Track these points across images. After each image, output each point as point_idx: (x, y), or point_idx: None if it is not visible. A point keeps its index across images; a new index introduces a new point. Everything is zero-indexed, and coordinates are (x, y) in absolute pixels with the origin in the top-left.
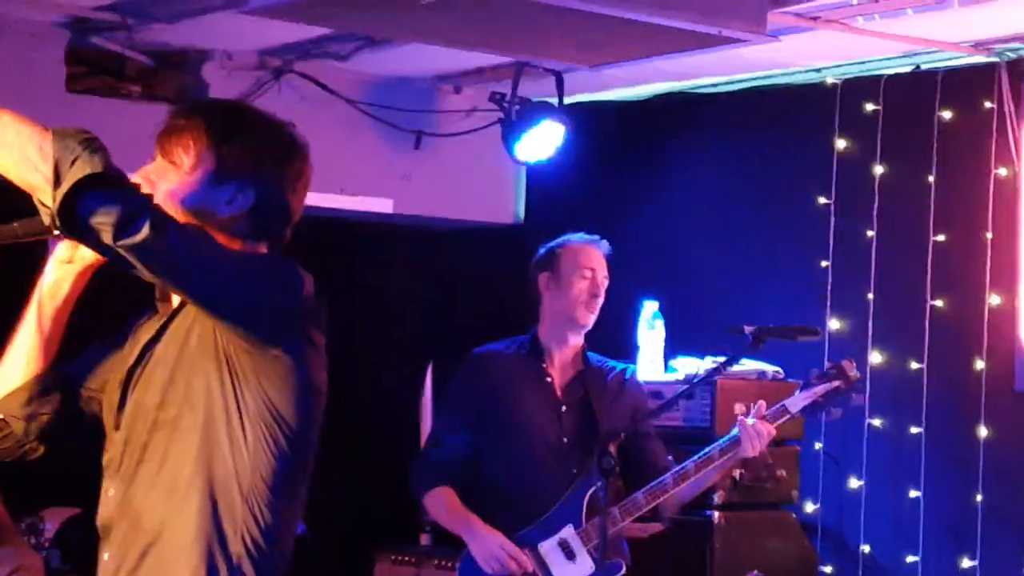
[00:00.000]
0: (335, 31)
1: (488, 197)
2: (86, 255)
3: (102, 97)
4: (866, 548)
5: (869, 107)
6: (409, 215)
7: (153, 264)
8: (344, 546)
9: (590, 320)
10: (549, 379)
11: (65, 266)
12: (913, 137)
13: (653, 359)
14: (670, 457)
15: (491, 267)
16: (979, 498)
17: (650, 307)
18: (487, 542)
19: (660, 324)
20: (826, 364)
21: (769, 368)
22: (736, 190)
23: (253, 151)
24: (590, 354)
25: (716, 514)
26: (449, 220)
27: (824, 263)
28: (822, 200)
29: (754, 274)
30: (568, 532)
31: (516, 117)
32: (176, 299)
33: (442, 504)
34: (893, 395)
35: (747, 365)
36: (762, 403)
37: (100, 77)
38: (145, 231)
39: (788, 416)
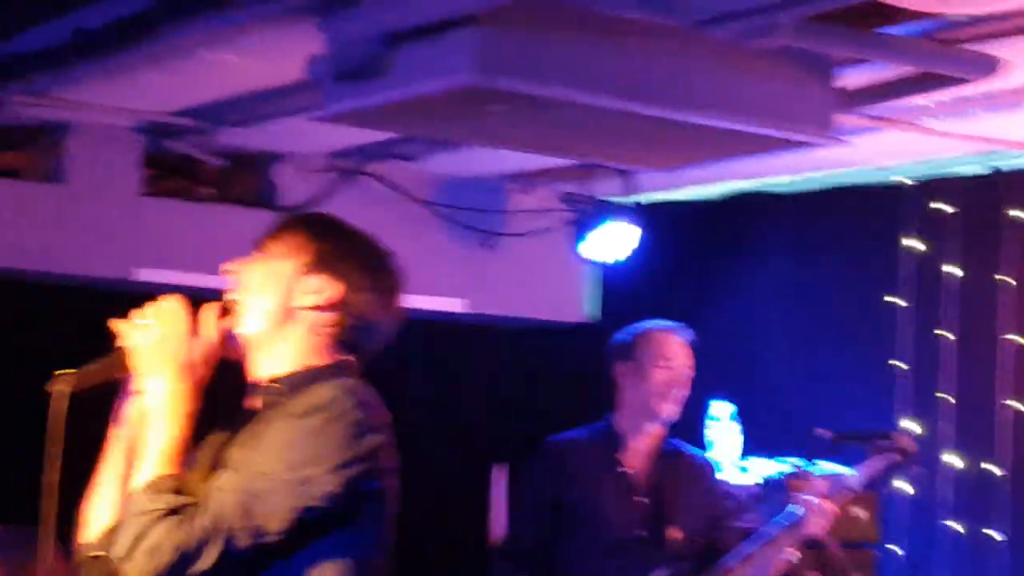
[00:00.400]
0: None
1: (559, 296)
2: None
3: (178, 199)
4: None
5: (941, 206)
6: (480, 314)
7: None
8: None
9: (670, 412)
10: (623, 470)
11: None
12: (986, 237)
13: (728, 459)
14: None
15: (564, 367)
16: None
17: (723, 407)
18: None
19: (736, 426)
20: (874, 438)
21: (845, 471)
22: (807, 290)
23: (344, 252)
24: (673, 441)
25: None
26: (520, 319)
27: (897, 363)
28: (894, 300)
29: (825, 376)
30: None
31: (587, 216)
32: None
33: None
34: (974, 500)
35: (822, 467)
36: (821, 480)
37: (175, 180)
38: None
39: (849, 492)
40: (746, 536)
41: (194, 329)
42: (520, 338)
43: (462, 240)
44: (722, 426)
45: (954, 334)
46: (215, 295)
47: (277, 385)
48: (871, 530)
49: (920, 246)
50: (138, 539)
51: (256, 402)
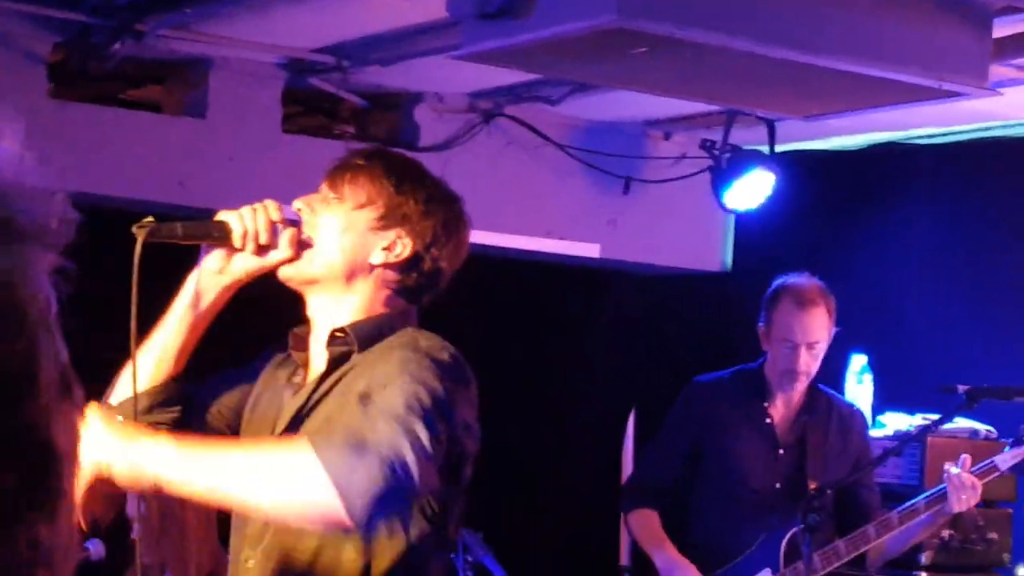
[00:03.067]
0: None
1: (695, 244)
2: (236, 270)
3: (316, 137)
4: None
5: None
6: (615, 260)
7: None
8: None
9: (798, 383)
10: (769, 420)
11: (214, 277)
12: None
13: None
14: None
15: (697, 314)
16: None
17: (859, 361)
18: (681, 574)
19: (869, 379)
20: (1012, 396)
21: (981, 427)
22: (950, 243)
23: (424, 207)
24: (820, 388)
25: (923, 575)
26: (655, 266)
27: None
28: None
29: (967, 329)
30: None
31: (726, 165)
32: (317, 362)
33: (644, 526)
34: None
35: (959, 423)
36: (967, 457)
37: (315, 117)
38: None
39: (997, 473)
40: (882, 492)
41: (273, 241)
42: (655, 285)
43: (599, 185)
44: (856, 379)
45: None
46: None
47: (342, 335)
48: (1008, 488)
49: None
50: (340, 487)
51: (317, 349)
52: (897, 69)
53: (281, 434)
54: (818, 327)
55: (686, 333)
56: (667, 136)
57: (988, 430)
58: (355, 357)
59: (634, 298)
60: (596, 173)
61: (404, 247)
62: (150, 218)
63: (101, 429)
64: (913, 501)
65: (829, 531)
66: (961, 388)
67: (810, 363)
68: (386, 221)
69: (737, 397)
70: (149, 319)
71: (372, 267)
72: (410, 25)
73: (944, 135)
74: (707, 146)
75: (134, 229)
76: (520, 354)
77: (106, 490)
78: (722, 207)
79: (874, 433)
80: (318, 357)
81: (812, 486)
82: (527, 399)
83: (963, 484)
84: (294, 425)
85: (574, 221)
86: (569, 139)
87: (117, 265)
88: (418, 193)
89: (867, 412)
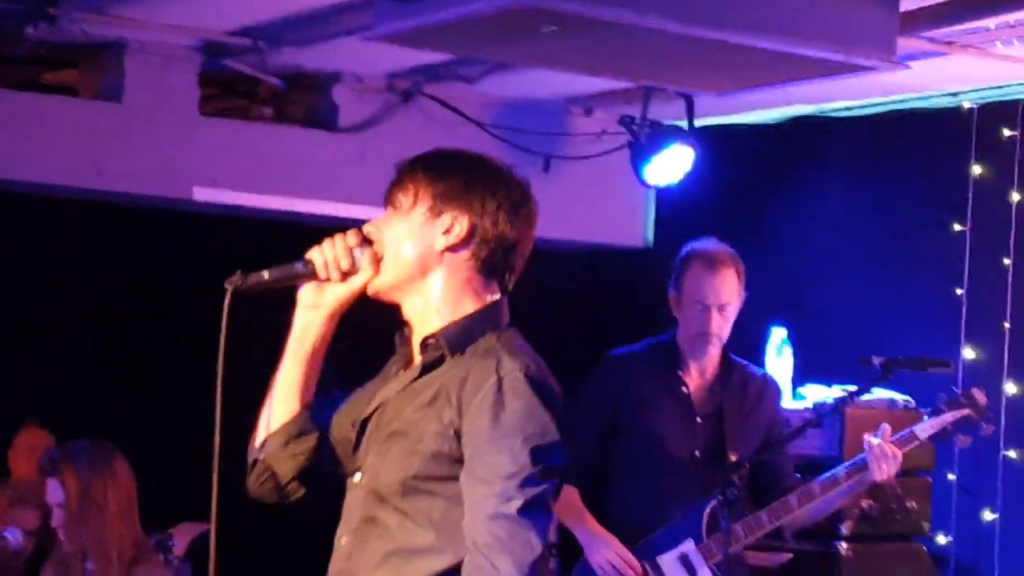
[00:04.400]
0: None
1: (616, 220)
2: (329, 301)
3: (234, 119)
4: None
5: (1006, 132)
6: (537, 237)
7: None
8: None
9: (705, 351)
10: (685, 388)
11: (311, 311)
12: None
13: (781, 386)
14: (798, 475)
15: (619, 289)
16: None
17: (778, 333)
18: (604, 548)
19: (788, 351)
20: (956, 391)
21: (899, 398)
22: (868, 216)
23: (465, 183)
24: (733, 358)
25: (844, 545)
26: (577, 242)
27: (959, 291)
28: (957, 227)
29: (886, 302)
30: (689, 547)
31: (645, 140)
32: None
33: (565, 502)
34: None
35: (877, 394)
36: (887, 426)
37: (232, 99)
38: None
39: (916, 442)
40: (802, 463)
41: (353, 265)
42: (576, 261)
43: (519, 163)
44: (776, 351)
45: (1018, 261)
46: (270, 215)
47: (433, 341)
48: (927, 458)
49: (985, 172)
50: None
51: (413, 354)
52: (806, 44)
53: (368, 417)
54: (728, 289)
55: (608, 308)
56: (588, 112)
57: (906, 400)
58: (448, 361)
59: (556, 274)
60: (516, 151)
61: (460, 225)
62: (237, 273)
63: None
64: (834, 471)
65: (746, 499)
66: (877, 360)
67: (722, 325)
68: (435, 209)
69: (652, 368)
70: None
71: (440, 254)
72: (327, 5)
73: (860, 108)
74: (626, 122)
75: (225, 284)
76: None
77: None
78: (642, 183)
79: (794, 405)
80: (417, 357)
81: (732, 457)
82: None
83: (884, 453)
84: (380, 412)
85: None
86: (488, 117)
87: (28, 249)
88: (457, 173)
89: (787, 384)
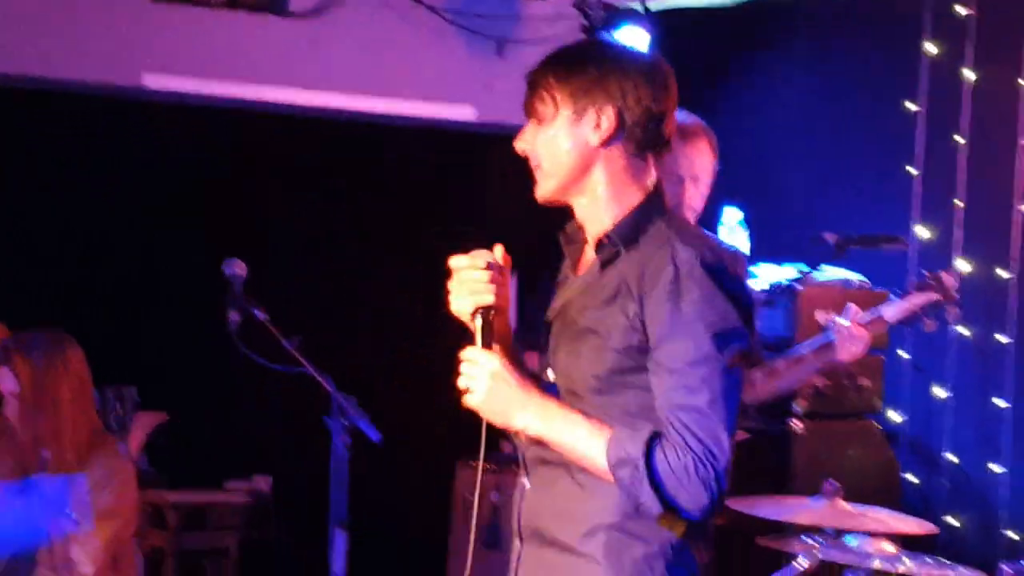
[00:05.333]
0: None
1: None
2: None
3: (185, 4)
4: (951, 458)
5: (960, 11)
6: (492, 123)
7: None
8: (427, 456)
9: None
10: None
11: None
12: (1004, 41)
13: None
14: (765, 352)
15: None
16: None
17: (733, 214)
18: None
19: (743, 231)
20: (925, 273)
21: (855, 277)
22: (821, 96)
23: (598, 73)
24: (705, 233)
25: (797, 423)
26: None
27: (912, 169)
28: (910, 106)
29: (839, 181)
30: None
31: (599, 23)
32: (590, 256)
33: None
34: (981, 304)
35: (831, 273)
36: (853, 306)
37: None
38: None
39: (884, 325)
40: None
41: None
42: None
43: (473, 47)
44: (731, 231)
45: (970, 139)
46: (225, 103)
47: (607, 239)
48: (881, 336)
49: (938, 50)
50: (662, 491)
51: (586, 253)
52: None
53: (554, 320)
54: (702, 161)
55: None
56: None
57: (861, 280)
58: (623, 255)
59: (512, 160)
60: (469, 35)
61: (607, 116)
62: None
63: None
64: (800, 349)
65: None
66: (831, 237)
67: (695, 198)
68: (578, 108)
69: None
70: None
71: (596, 150)
72: None
73: None
74: (580, 5)
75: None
76: (401, 217)
77: None
78: None
79: (748, 284)
80: (591, 253)
81: None
82: (404, 265)
83: (852, 335)
84: (563, 313)
85: (449, 84)
86: (442, 1)
87: None
88: (587, 66)
89: None
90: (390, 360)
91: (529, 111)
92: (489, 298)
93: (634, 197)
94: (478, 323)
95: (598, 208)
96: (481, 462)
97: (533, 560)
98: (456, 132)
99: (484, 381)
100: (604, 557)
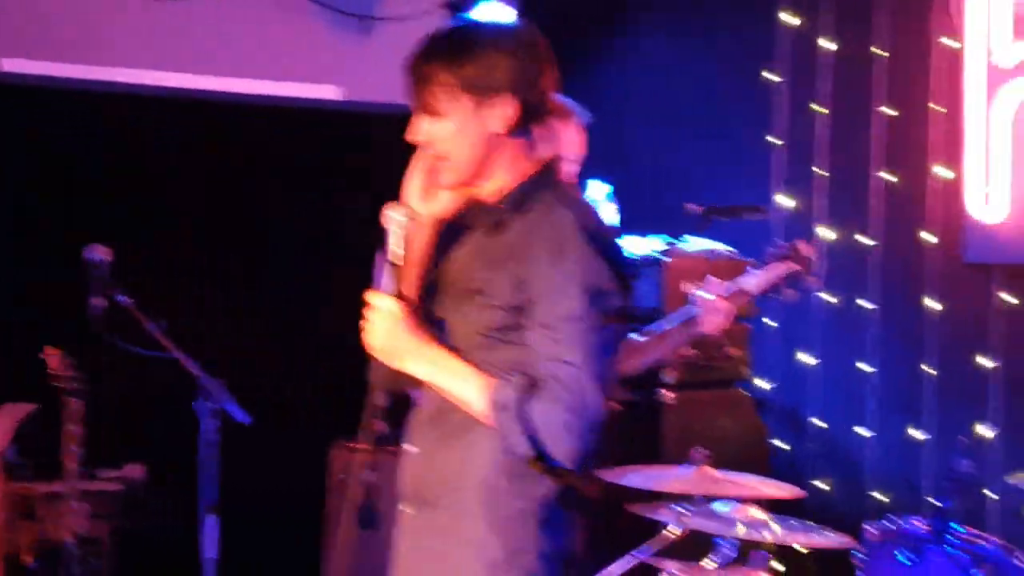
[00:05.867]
0: None
1: None
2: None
3: None
4: (818, 422)
5: None
6: (357, 101)
7: None
8: (302, 438)
9: None
10: None
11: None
12: (860, 10)
13: None
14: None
15: None
16: (928, 370)
17: (600, 188)
18: None
19: (610, 204)
20: (780, 243)
21: (720, 247)
22: (684, 69)
23: (488, 61)
24: None
25: (667, 393)
26: (397, 105)
27: (773, 139)
28: (770, 76)
29: (702, 152)
30: None
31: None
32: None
33: None
34: (843, 270)
35: (696, 244)
36: (712, 278)
37: None
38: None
39: (747, 298)
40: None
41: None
42: (396, 124)
43: (336, 25)
44: (598, 205)
45: (829, 108)
46: (84, 85)
47: (499, 206)
48: (748, 305)
49: (796, 20)
50: (534, 437)
51: (479, 217)
52: None
53: (436, 283)
54: (570, 137)
55: None
56: None
57: (726, 250)
58: (512, 222)
59: (384, 136)
60: (330, 12)
61: (507, 103)
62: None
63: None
64: (664, 323)
65: None
66: (694, 208)
67: (571, 178)
68: (476, 98)
69: None
70: None
71: (498, 135)
72: None
73: None
74: None
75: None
76: (271, 202)
77: None
78: None
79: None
80: (478, 216)
81: None
82: (283, 248)
83: (715, 307)
84: (447, 276)
85: (311, 63)
86: None
87: None
88: (476, 55)
89: None
90: (264, 342)
91: (421, 104)
92: (399, 252)
93: (529, 170)
94: (386, 270)
95: (497, 182)
96: (360, 441)
97: (418, 525)
98: (320, 111)
99: (383, 323)
100: (483, 513)
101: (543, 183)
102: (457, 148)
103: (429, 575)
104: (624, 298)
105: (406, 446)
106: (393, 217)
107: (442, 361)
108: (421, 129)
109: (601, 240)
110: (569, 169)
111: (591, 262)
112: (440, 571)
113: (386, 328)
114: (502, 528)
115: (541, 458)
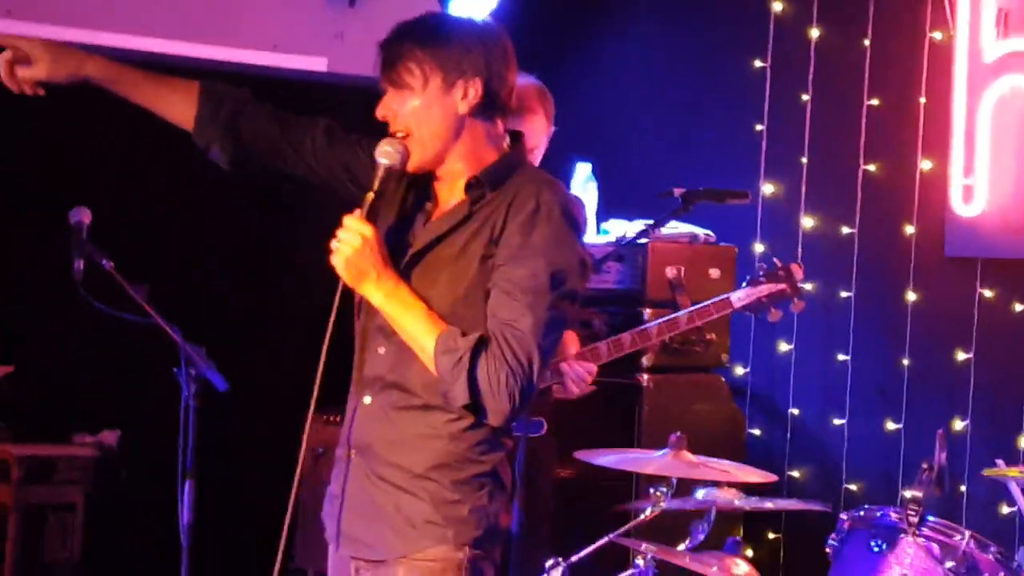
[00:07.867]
0: None
1: None
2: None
3: None
4: (794, 411)
5: None
6: (344, 74)
7: None
8: (277, 407)
9: None
10: None
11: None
12: (849, 0)
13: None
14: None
15: None
16: (906, 362)
17: (583, 168)
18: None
19: (593, 186)
20: (776, 262)
21: (700, 231)
22: (672, 54)
23: (463, 46)
24: None
25: (645, 377)
26: None
27: (759, 126)
28: (757, 63)
29: (688, 137)
30: None
31: None
32: (448, 197)
33: None
34: (824, 259)
35: (679, 228)
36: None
37: None
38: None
39: (730, 310)
40: (606, 296)
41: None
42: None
43: None
44: (580, 186)
45: (816, 97)
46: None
47: (476, 180)
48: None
49: (785, 8)
50: (474, 388)
51: (441, 200)
52: None
53: (415, 254)
54: (536, 131)
55: None
56: None
57: (707, 234)
58: (490, 197)
59: (363, 113)
60: None
61: (474, 87)
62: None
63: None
64: (673, 317)
65: None
66: (677, 191)
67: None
68: (447, 79)
69: None
70: None
71: (463, 117)
72: None
73: None
74: None
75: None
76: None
77: None
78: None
79: (597, 240)
80: (449, 194)
81: None
82: (267, 215)
83: (582, 378)
84: (424, 249)
85: (299, 35)
86: None
87: None
88: (452, 39)
89: (592, 219)
90: (243, 311)
91: (392, 80)
92: (379, 187)
93: (496, 153)
94: (367, 199)
95: (467, 165)
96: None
97: (361, 474)
98: (307, 83)
99: (352, 244)
100: (435, 475)
101: (518, 162)
102: (424, 124)
103: (376, 514)
104: (580, 289)
105: (361, 395)
106: (385, 150)
107: (401, 294)
108: (387, 103)
109: (576, 227)
110: (533, 159)
111: (562, 244)
112: (388, 508)
113: (354, 248)
114: (451, 485)
115: (473, 412)
